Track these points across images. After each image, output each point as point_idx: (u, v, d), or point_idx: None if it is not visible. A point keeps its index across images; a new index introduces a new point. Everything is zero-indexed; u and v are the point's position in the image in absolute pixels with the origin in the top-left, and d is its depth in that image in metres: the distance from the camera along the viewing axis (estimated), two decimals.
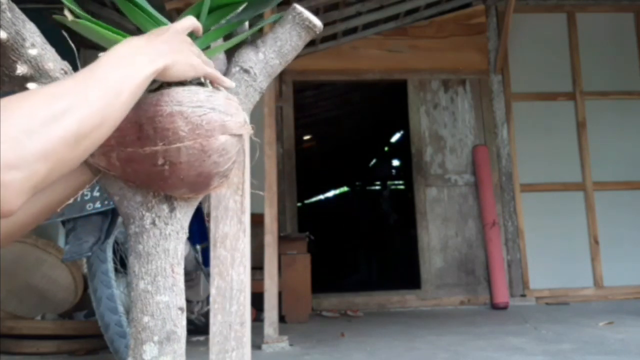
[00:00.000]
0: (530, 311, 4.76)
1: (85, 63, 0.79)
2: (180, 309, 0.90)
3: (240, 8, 1.03)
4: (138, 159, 0.86)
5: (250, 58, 1.04)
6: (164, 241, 0.90)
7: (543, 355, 2.77)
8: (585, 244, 5.54)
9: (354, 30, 5.61)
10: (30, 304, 3.46)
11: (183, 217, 0.94)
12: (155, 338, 0.86)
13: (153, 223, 0.91)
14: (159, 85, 0.89)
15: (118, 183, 0.91)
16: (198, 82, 0.90)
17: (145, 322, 0.87)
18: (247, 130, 0.92)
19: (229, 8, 1.02)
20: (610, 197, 5.61)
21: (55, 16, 0.96)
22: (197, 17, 0.99)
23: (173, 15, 3.63)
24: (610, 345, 2.94)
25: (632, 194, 5.64)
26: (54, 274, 3.47)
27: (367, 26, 5.64)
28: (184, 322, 0.91)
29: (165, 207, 0.92)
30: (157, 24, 0.98)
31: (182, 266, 0.93)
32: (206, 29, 1.01)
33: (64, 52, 0.96)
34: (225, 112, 0.88)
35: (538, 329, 3.69)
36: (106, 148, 0.87)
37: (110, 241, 2.48)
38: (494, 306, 5.13)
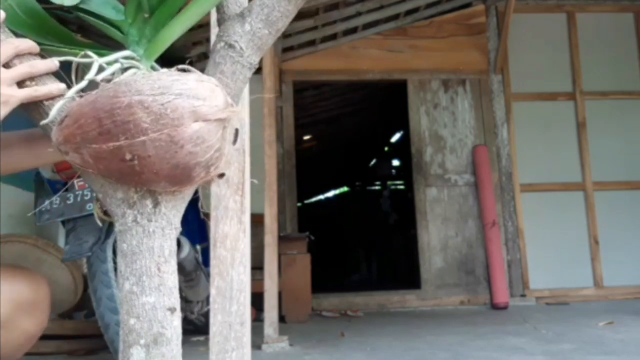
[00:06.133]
0: (530, 311, 4.76)
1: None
2: (170, 309, 0.84)
3: None
4: (105, 155, 0.79)
5: (236, 31, 0.93)
6: (148, 239, 0.84)
7: (543, 355, 2.77)
8: (585, 244, 5.53)
9: (354, 30, 5.61)
10: None
11: (170, 212, 0.86)
12: (142, 341, 0.82)
13: (135, 220, 0.84)
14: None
15: (99, 180, 0.85)
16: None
17: (131, 324, 0.82)
18: (228, 114, 0.81)
19: None
20: (610, 197, 5.61)
21: None
22: (139, 4, 0.89)
23: None
24: (610, 345, 2.94)
25: (632, 194, 5.64)
26: (54, 274, 3.46)
27: (367, 26, 5.63)
28: (176, 323, 0.85)
29: (148, 203, 0.84)
30: (115, 27, 0.93)
31: (172, 264, 0.86)
32: (153, 9, 0.91)
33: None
34: (195, 97, 0.78)
35: (538, 329, 3.69)
36: (74, 145, 0.80)
37: (110, 241, 2.48)
38: (494, 306, 5.13)
